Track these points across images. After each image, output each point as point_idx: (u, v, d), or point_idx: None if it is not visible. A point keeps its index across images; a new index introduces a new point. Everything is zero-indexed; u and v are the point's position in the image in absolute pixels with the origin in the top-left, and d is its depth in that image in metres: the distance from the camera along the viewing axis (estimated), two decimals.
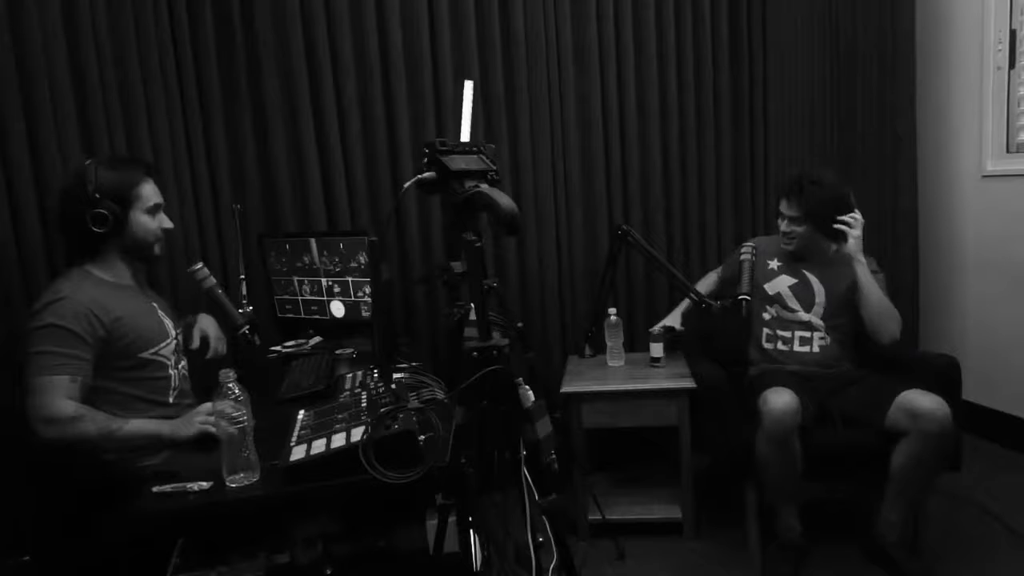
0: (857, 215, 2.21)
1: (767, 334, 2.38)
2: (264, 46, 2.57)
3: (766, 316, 2.38)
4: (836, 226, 2.21)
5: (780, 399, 1.96)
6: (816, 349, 2.30)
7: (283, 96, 2.62)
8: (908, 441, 1.96)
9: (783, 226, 2.33)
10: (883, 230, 2.98)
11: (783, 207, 2.32)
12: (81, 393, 1.63)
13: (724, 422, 2.18)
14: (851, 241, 2.19)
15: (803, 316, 2.32)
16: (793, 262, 2.37)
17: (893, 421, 2.00)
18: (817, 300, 2.32)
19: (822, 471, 2.07)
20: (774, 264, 2.40)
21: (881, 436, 2.02)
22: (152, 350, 1.77)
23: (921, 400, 1.94)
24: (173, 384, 1.82)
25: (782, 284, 2.37)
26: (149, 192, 1.79)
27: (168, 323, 1.87)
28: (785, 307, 2.35)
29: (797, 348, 2.32)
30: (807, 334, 2.32)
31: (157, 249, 1.84)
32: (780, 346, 2.34)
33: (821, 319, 2.31)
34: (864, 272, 2.19)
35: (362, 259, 2.41)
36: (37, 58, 2.01)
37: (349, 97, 2.65)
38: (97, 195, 1.68)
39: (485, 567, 1.59)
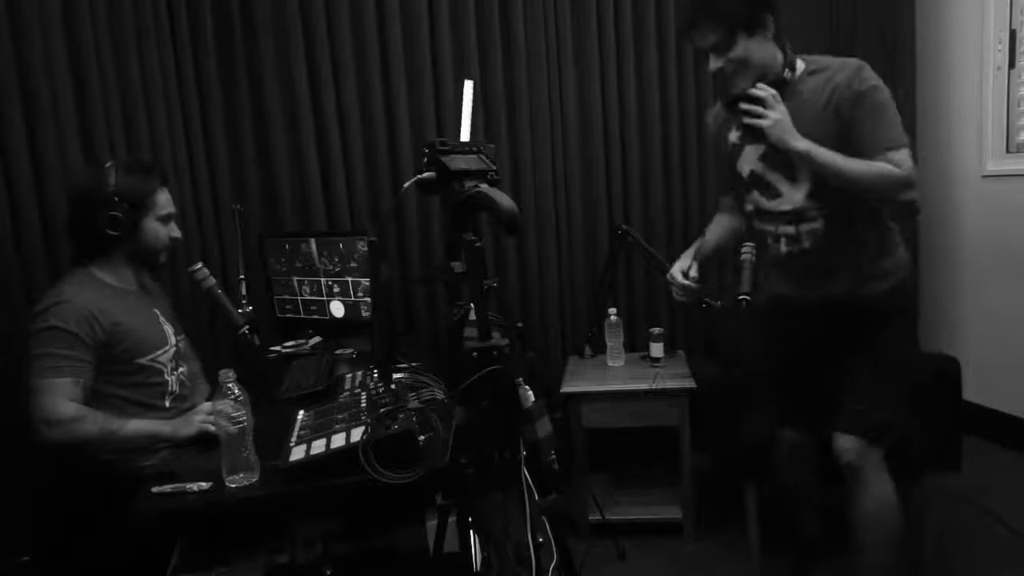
0: (761, 86, 1.60)
1: (753, 232, 1.88)
2: (264, 46, 2.57)
3: (749, 207, 1.85)
4: (745, 120, 1.63)
5: (791, 441, 1.90)
6: (806, 245, 1.74)
7: (283, 96, 2.62)
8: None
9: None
10: None
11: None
12: (83, 395, 1.64)
13: (724, 422, 2.18)
14: (770, 129, 1.58)
15: (784, 204, 1.73)
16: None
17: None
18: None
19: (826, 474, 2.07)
20: (734, 136, 1.79)
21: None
22: (150, 356, 1.77)
23: (837, 440, 1.73)
24: (169, 389, 1.82)
25: (751, 158, 1.77)
26: (164, 201, 1.80)
27: (168, 329, 1.86)
28: (765, 189, 1.76)
29: (784, 248, 1.78)
30: (791, 229, 1.75)
31: (163, 258, 1.85)
32: (770, 246, 1.82)
33: (810, 195, 1.69)
34: (813, 155, 1.57)
35: (362, 259, 2.41)
36: (37, 58, 2.01)
37: (349, 97, 2.65)
38: (116, 198, 1.69)
39: (485, 567, 1.59)
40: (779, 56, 1.67)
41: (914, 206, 1.68)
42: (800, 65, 1.69)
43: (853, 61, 1.64)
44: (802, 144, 1.58)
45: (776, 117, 1.58)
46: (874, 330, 1.74)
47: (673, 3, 2.81)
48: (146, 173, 1.80)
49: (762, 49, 1.64)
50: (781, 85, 1.64)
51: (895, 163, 1.58)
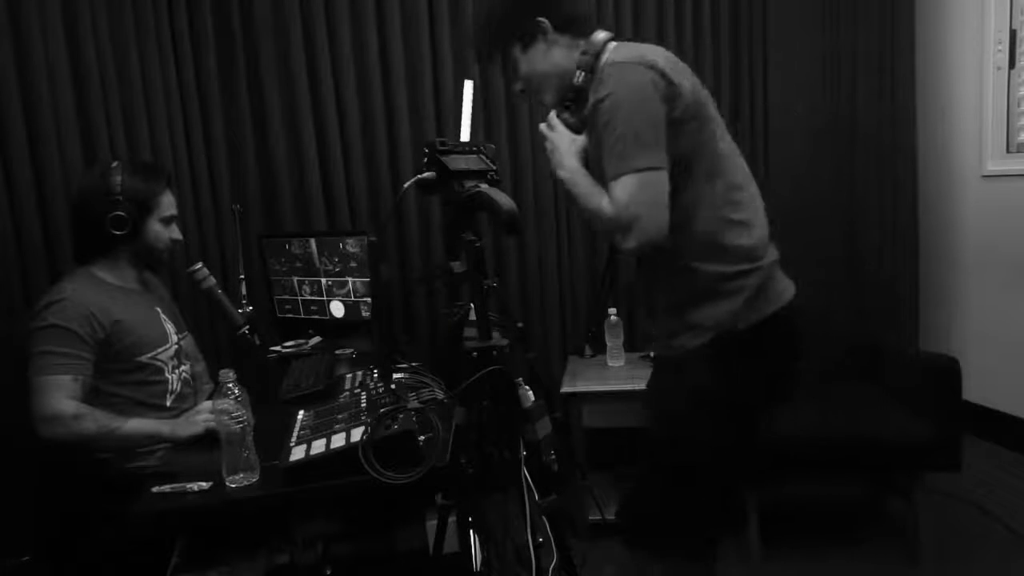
0: (552, 122, 1.41)
1: None
2: (264, 46, 2.57)
3: None
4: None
5: None
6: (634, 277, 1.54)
7: (283, 96, 2.62)
8: None
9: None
10: (883, 230, 2.98)
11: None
12: (83, 392, 1.64)
13: None
14: (550, 157, 1.42)
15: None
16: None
17: None
18: None
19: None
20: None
21: None
22: (150, 354, 1.77)
23: None
24: (171, 388, 1.82)
25: None
26: (167, 203, 1.81)
27: (170, 327, 1.87)
28: None
29: None
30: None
31: (164, 258, 1.86)
32: None
33: None
34: (566, 184, 1.36)
35: (362, 259, 2.41)
36: (37, 58, 2.01)
37: (349, 97, 2.65)
38: (121, 198, 1.70)
39: (485, 567, 1.59)
40: (576, 56, 1.37)
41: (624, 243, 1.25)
42: (605, 58, 1.34)
43: (614, 55, 1.30)
44: (561, 171, 1.36)
45: (548, 146, 1.41)
46: (668, 402, 1.46)
47: (674, 4, 2.81)
48: (152, 174, 1.81)
49: (546, 58, 1.39)
50: (578, 93, 1.37)
51: (612, 197, 1.23)
